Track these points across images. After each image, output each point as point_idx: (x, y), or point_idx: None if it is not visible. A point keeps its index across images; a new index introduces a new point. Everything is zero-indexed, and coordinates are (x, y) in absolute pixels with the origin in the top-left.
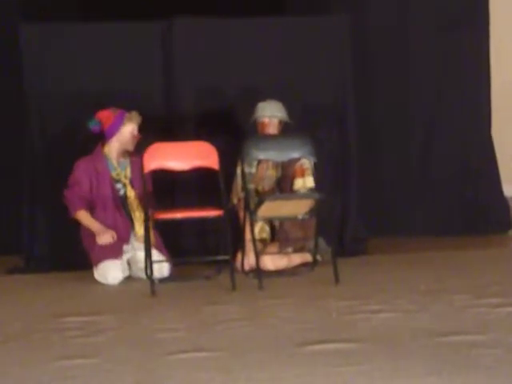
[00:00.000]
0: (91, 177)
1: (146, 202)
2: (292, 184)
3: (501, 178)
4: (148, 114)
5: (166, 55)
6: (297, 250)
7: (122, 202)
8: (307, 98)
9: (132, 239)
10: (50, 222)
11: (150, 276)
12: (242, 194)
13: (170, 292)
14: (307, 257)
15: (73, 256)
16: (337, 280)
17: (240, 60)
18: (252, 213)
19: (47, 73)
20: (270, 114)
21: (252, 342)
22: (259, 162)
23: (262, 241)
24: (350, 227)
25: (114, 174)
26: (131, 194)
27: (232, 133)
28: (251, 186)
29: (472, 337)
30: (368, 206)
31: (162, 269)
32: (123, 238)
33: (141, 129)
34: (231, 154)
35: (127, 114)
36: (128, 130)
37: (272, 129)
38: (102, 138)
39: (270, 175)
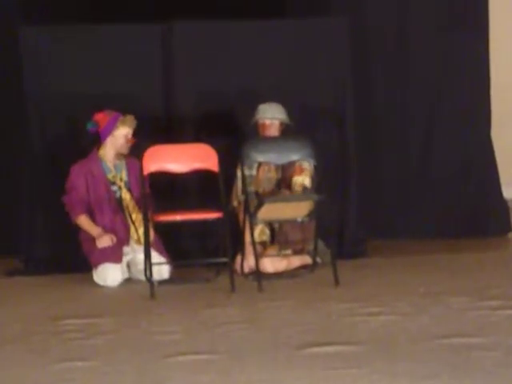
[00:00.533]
0: (87, 180)
1: (144, 204)
2: (290, 183)
3: (500, 180)
4: (148, 116)
5: (166, 57)
6: (296, 252)
7: (119, 205)
8: (307, 100)
9: (131, 241)
10: (50, 223)
11: (149, 278)
12: (242, 197)
13: (170, 294)
14: (307, 259)
15: (72, 258)
16: (336, 282)
17: (239, 62)
18: (252, 215)
19: (47, 74)
20: (271, 116)
21: (251, 345)
22: (260, 164)
23: (262, 243)
24: (349, 229)
25: (109, 176)
26: (126, 196)
27: (232, 135)
28: (251, 189)
29: (471, 339)
30: (368, 209)
31: (161, 271)
32: (122, 240)
33: (136, 132)
34: (231, 157)
35: (121, 118)
36: (121, 134)
37: (273, 131)
38: (98, 140)
39: (270, 178)
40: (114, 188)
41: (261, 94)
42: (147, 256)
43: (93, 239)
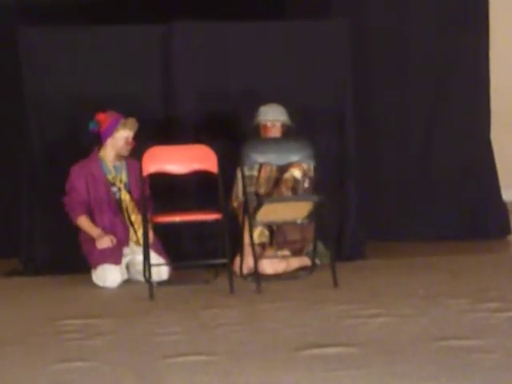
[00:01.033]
0: (87, 181)
1: (143, 205)
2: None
3: (500, 182)
4: (147, 117)
5: (166, 58)
6: (295, 253)
7: (119, 206)
8: (307, 101)
9: (131, 242)
10: (49, 224)
11: (148, 279)
12: (242, 198)
13: (169, 295)
14: (306, 260)
15: (71, 259)
16: (335, 284)
17: (239, 64)
18: (251, 217)
19: (46, 75)
20: (273, 117)
21: (250, 346)
22: (261, 165)
23: (262, 245)
24: (348, 231)
25: (109, 177)
26: (126, 197)
27: (232, 136)
28: (251, 190)
29: (470, 341)
30: (367, 211)
31: (160, 272)
32: (122, 241)
33: (137, 135)
34: (231, 158)
35: (122, 120)
36: (121, 136)
37: (274, 132)
38: (98, 141)
39: (272, 179)
40: (114, 189)
41: (261, 96)
42: (146, 257)
43: (92, 240)
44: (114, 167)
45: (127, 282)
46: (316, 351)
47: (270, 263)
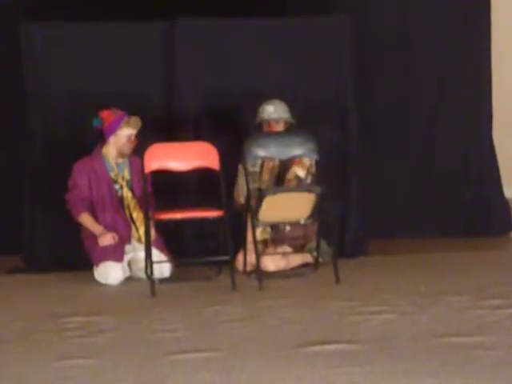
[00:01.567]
0: (89, 178)
1: (145, 202)
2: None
3: (502, 179)
4: (149, 114)
5: (168, 55)
6: (296, 250)
7: (121, 203)
8: (308, 98)
9: (133, 240)
10: (51, 222)
11: (150, 276)
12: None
13: (171, 292)
14: (308, 257)
15: (73, 256)
16: (337, 281)
17: (242, 60)
18: (254, 214)
19: (48, 72)
20: (277, 115)
21: (252, 343)
22: (263, 161)
23: (264, 242)
24: (350, 228)
25: (111, 174)
26: (128, 195)
27: (233, 133)
28: (255, 186)
29: (472, 338)
30: (369, 207)
31: (162, 269)
32: (124, 238)
33: (140, 133)
34: (233, 155)
35: (125, 118)
36: (124, 134)
37: (278, 130)
38: (101, 138)
39: (274, 174)
40: (116, 187)
41: (263, 92)
42: (148, 254)
43: (94, 237)
44: (117, 164)
45: (129, 279)
46: (318, 348)
47: (272, 260)
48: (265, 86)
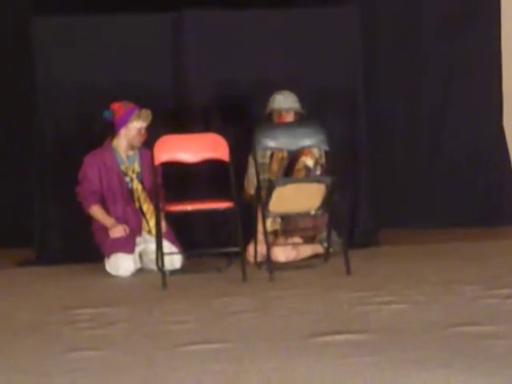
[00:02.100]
0: (100, 170)
1: (156, 194)
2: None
3: None
4: (158, 105)
5: (177, 47)
6: (307, 241)
7: (131, 195)
8: (318, 88)
9: (143, 231)
10: (62, 214)
11: (160, 268)
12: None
13: (181, 284)
14: (318, 248)
15: (84, 248)
16: (348, 271)
17: (250, 51)
18: (264, 205)
19: (58, 64)
20: (287, 106)
21: (263, 334)
22: (273, 152)
23: (274, 233)
24: (360, 218)
25: (122, 167)
26: (138, 187)
27: (243, 124)
28: (265, 177)
29: (483, 328)
30: (379, 198)
31: (173, 261)
32: (135, 230)
33: (149, 126)
34: (243, 146)
35: (136, 111)
36: (134, 127)
37: (288, 120)
38: (112, 130)
39: (283, 166)
40: (127, 179)
41: (272, 83)
42: (159, 246)
43: (105, 229)
44: (127, 157)
45: (140, 271)
46: (328, 338)
47: (283, 251)
48: (274, 76)
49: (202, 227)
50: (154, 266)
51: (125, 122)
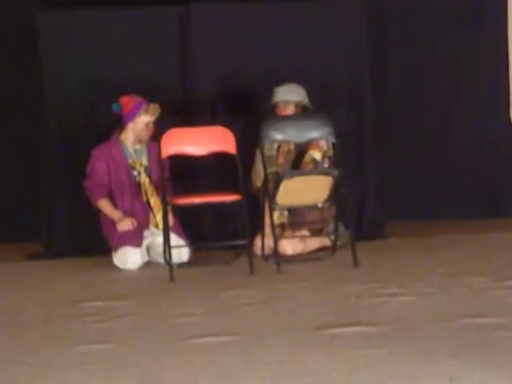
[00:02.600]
0: (108, 163)
1: (163, 187)
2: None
3: None
4: (165, 99)
5: (184, 40)
6: (314, 234)
7: (139, 189)
8: (325, 80)
9: (151, 225)
10: (69, 207)
11: (168, 261)
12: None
13: (189, 277)
14: (325, 241)
15: (92, 242)
16: (355, 264)
17: (257, 43)
18: (271, 197)
19: (64, 58)
20: (285, 98)
21: (271, 326)
22: (279, 145)
23: (281, 225)
24: (368, 211)
25: (129, 161)
26: (145, 181)
27: (250, 117)
28: (272, 169)
29: (491, 319)
30: (386, 190)
31: (180, 254)
32: (142, 224)
33: (157, 120)
34: (250, 139)
35: (144, 106)
36: (142, 121)
37: (287, 113)
38: (120, 123)
39: (290, 159)
40: (134, 173)
41: (279, 75)
42: (166, 239)
43: (113, 223)
44: (135, 151)
45: (148, 264)
46: (336, 331)
47: (290, 244)
48: (281, 69)
49: (209, 220)
50: (161, 259)
51: (133, 115)
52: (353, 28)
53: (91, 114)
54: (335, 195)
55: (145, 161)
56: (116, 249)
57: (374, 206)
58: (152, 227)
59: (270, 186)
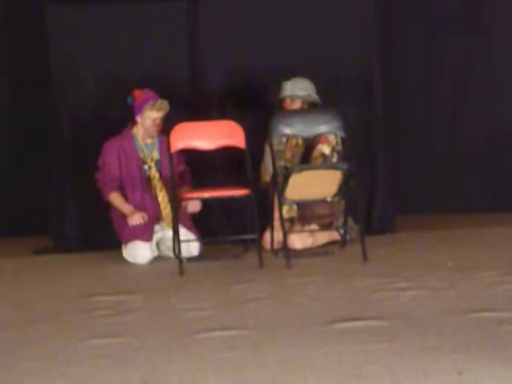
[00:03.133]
0: (119, 157)
1: (173, 182)
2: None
3: None
4: (174, 93)
5: (192, 34)
6: (324, 228)
7: (149, 183)
8: (334, 74)
9: (161, 220)
10: (79, 201)
11: (178, 255)
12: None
13: (199, 271)
14: (335, 235)
15: (102, 235)
16: (365, 258)
17: (265, 37)
18: (280, 192)
19: (74, 53)
20: (292, 93)
21: (280, 320)
22: (288, 139)
23: (290, 220)
24: (377, 205)
25: (141, 154)
26: (155, 175)
27: (259, 111)
28: (281, 164)
29: (500, 313)
30: (396, 184)
31: (190, 248)
32: (153, 218)
33: (166, 114)
34: (259, 133)
35: (151, 101)
36: (149, 117)
37: (294, 108)
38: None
39: (299, 153)
40: (145, 167)
41: (288, 69)
42: (176, 233)
43: (123, 217)
44: (146, 145)
45: (158, 259)
46: (346, 325)
47: (299, 238)
48: (290, 62)
49: (218, 214)
50: (171, 254)
51: (140, 109)
52: (362, 22)
53: (101, 108)
54: (344, 189)
55: (156, 155)
56: (126, 243)
57: (384, 201)
58: (162, 222)
59: (279, 180)
